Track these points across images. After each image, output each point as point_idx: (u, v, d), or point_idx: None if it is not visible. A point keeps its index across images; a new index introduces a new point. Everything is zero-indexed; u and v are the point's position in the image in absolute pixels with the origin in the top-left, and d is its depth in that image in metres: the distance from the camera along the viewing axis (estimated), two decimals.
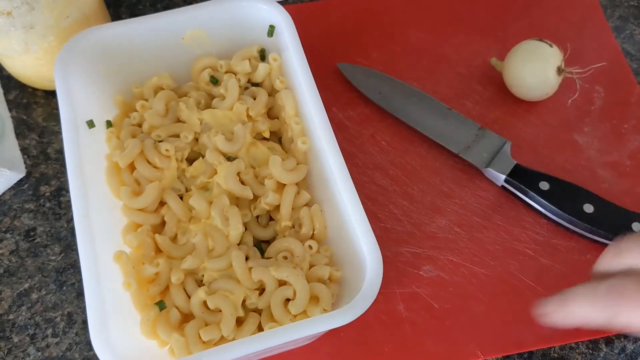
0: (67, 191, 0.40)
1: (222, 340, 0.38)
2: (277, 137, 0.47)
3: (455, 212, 0.48)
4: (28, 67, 0.50)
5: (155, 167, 0.43)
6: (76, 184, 0.39)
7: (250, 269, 0.39)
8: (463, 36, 0.57)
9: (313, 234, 0.42)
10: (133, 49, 0.46)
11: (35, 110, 0.53)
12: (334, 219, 0.41)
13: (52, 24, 0.46)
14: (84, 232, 0.37)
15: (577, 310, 0.31)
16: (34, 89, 0.54)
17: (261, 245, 0.43)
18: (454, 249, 0.47)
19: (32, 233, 0.48)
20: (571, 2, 0.59)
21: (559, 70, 0.49)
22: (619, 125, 0.52)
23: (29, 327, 0.44)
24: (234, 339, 0.37)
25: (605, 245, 0.46)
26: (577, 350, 0.44)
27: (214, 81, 0.47)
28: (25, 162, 0.50)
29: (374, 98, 0.52)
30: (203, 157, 0.44)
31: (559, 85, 0.51)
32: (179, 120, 0.45)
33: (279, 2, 0.47)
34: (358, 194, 0.39)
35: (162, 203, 0.43)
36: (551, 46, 0.50)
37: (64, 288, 0.46)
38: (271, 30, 0.46)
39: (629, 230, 0.45)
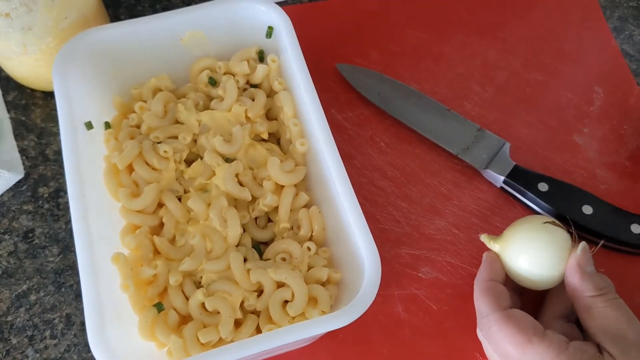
0: (66, 192, 0.39)
1: (221, 342, 0.38)
2: (275, 138, 0.47)
3: (454, 213, 0.48)
4: (26, 69, 0.50)
5: (153, 168, 0.43)
6: (74, 185, 0.39)
7: (248, 270, 0.39)
8: (462, 36, 0.57)
9: (311, 235, 0.42)
10: (132, 50, 0.46)
11: (34, 111, 0.53)
12: (332, 221, 0.41)
13: (50, 25, 0.46)
14: (82, 234, 0.37)
15: None
16: (33, 90, 0.54)
17: (259, 247, 0.43)
18: (452, 250, 0.47)
19: (30, 234, 0.48)
20: (571, 3, 0.59)
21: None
22: (618, 126, 0.52)
23: (27, 328, 0.44)
24: (232, 341, 0.37)
25: (605, 247, 0.46)
26: None
27: (213, 82, 0.47)
28: (23, 163, 0.50)
29: (372, 99, 0.52)
30: (201, 158, 0.44)
31: None
32: (177, 122, 0.45)
33: (277, 3, 0.47)
34: (356, 196, 0.39)
35: (160, 205, 0.43)
36: (561, 227, 0.40)
37: (63, 289, 0.46)
38: (270, 32, 0.46)
39: (628, 231, 0.45)
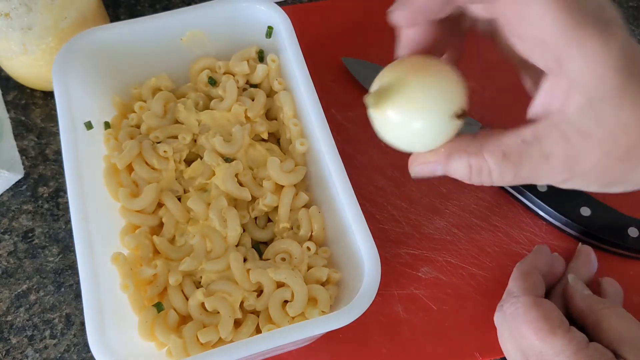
0: (66, 192, 0.39)
1: (220, 342, 0.38)
2: (275, 138, 0.47)
3: (454, 213, 0.48)
4: (26, 68, 0.50)
5: (153, 168, 0.43)
6: (74, 185, 0.39)
7: (248, 270, 0.39)
8: None
9: (311, 235, 0.42)
10: (132, 50, 0.46)
11: (34, 111, 0.53)
12: (332, 221, 0.41)
13: (50, 25, 0.46)
14: (82, 234, 0.37)
15: None
16: (33, 90, 0.54)
17: (259, 247, 0.43)
18: (452, 250, 0.47)
19: (30, 234, 0.48)
20: None
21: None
22: None
23: (27, 328, 0.44)
24: (232, 341, 0.37)
25: (602, 249, 0.46)
26: None
27: (212, 82, 0.47)
28: (23, 163, 0.50)
29: None
30: (201, 158, 0.44)
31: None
32: (177, 122, 0.45)
33: (277, 3, 0.47)
34: (356, 196, 0.39)
35: (160, 205, 0.43)
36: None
37: (62, 289, 0.46)
38: (269, 32, 0.46)
39: (625, 235, 0.45)
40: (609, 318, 0.37)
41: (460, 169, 0.28)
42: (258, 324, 0.39)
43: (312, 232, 0.42)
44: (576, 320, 0.39)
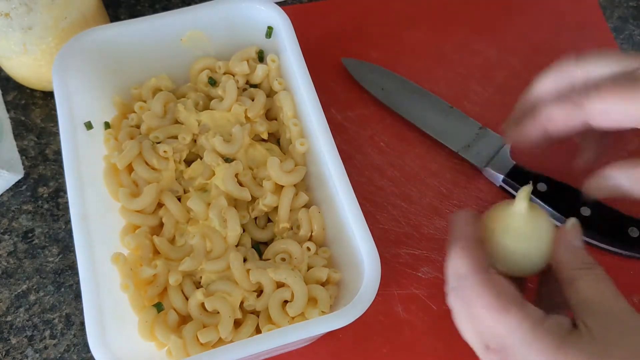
0: (66, 192, 0.39)
1: (220, 342, 0.38)
2: (275, 138, 0.47)
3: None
4: (26, 68, 0.50)
5: (153, 168, 0.43)
6: (74, 185, 0.39)
7: (248, 270, 0.39)
8: (462, 36, 0.57)
9: (311, 235, 0.42)
10: (132, 50, 0.46)
11: (34, 111, 0.53)
12: (332, 221, 0.41)
13: (50, 25, 0.46)
14: (82, 234, 0.37)
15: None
16: (33, 90, 0.54)
17: (259, 247, 0.43)
18: None
19: (30, 234, 0.48)
20: (570, 3, 0.59)
21: None
22: None
23: (26, 328, 0.44)
24: (231, 341, 0.37)
25: (602, 249, 0.46)
26: None
27: (212, 82, 0.47)
28: (23, 163, 0.50)
29: (376, 93, 0.52)
30: (201, 158, 0.44)
31: None
32: (177, 122, 0.45)
33: (277, 3, 0.47)
34: (356, 196, 0.39)
35: (160, 205, 0.43)
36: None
37: (62, 289, 0.46)
38: (269, 32, 0.46)
39: (625, 235, 0.45)
40: (585, 279, 0.34)
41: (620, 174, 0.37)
42: (258, 324, 0.39)
43: (312, 232, 0.42)
44: (554, 273, 0.36)
